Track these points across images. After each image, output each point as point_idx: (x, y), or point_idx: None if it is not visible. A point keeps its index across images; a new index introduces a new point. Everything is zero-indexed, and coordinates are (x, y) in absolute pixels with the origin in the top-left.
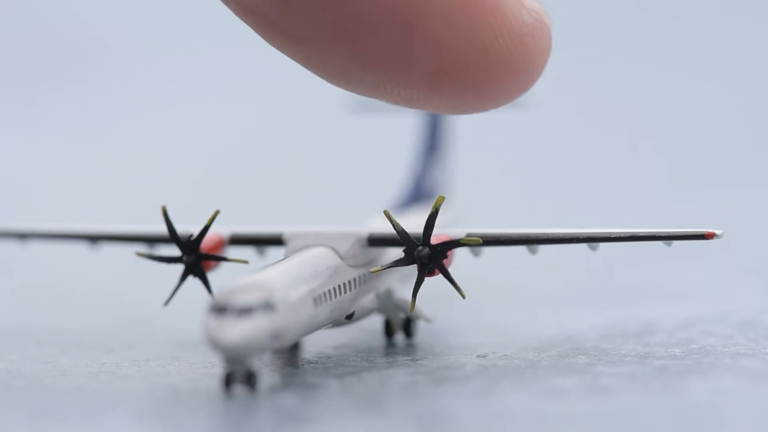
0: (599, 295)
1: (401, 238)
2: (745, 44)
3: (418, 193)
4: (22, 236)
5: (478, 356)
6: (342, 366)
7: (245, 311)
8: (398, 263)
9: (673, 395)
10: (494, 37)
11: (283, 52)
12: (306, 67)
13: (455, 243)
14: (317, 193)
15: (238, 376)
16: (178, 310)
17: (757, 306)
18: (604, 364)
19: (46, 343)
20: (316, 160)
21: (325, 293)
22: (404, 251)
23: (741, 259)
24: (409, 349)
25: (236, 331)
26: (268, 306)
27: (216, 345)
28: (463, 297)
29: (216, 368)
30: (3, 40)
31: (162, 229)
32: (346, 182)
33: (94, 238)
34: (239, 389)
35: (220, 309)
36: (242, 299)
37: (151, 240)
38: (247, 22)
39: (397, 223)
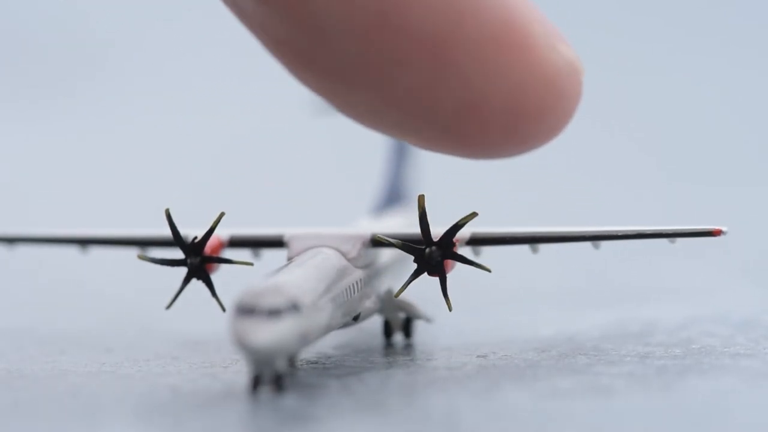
0: (599, 295)
1: (405, 250)
2: (743, 45)
3: (394, 195)
4: (11, 241)
5: (478, 356)
6: (342, 366)
7: (274, 313)
8: (416, 275)
9: (673, 395)
10: (524, 77)
11: (307, 83)
12: (328, 100)
13: (456, 227)
14: (295, 197)
15: (266, 378)
16: (179, 311)
17: (757, 306)
18: (604, 364)
19: (46, 343)
20: (295, 163)
21: (339, 294)
22: (415, 260)
23: (741, 259)
24: (409, 349)
25: (267, 332)
26: (295, 307)
27: (246, 347)
28: (489, 271)
29: (215, 368)
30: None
31: (154, 232)
32: (324, 185)
33: (84, 242)
34: (267, 392)
35: (248, 311)
36: (270, 301)
37: (151, 243)
38: (273, 52)
39: (396, 240)
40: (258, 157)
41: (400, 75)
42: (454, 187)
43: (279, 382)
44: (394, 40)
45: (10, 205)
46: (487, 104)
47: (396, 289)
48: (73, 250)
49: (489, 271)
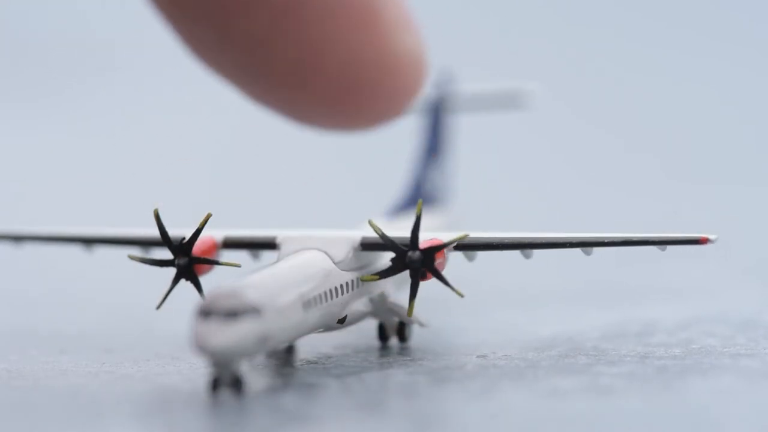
0: (599, 295)
1: (388, 246)
2: (740, 44)
3: (418, 196)
4: (17, 239)
5: (478, 356)
6: (342, 366)
7: (232, 315)
8: (390, 272)
9: (673, 395)
10: (360, 54)
11: (165, 19)
12: (173, 27)
13: (443, 245)
14: (316, 197)
15: (225, 380)
16: (178, 312)
17: (757, 306)
18: (604, 364)
19: (46, 343)
20: (316, 163)
21: (315, 297)
22: (392, 259)
23: (741, 259)
24: (408, 349)
25: (223, 335)
26: (254, 310)
27: (203, 349)
28: (461, 296)
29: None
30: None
31: (151, 232)
32: (345, 186)
33: (88, 241)
34: (226, 394)
35: (206, 313)
36: (229, 303)
37: (146, 243)
38: None
39: (382, 232)
40: (259, 158)
41: (240, 17)
42: (454, 187)
43: (237, 385)
44: None
45: (13, 203)
46: (321, 68)
47: (389, 293)
48: (74, 251)
49: (462, 296)
